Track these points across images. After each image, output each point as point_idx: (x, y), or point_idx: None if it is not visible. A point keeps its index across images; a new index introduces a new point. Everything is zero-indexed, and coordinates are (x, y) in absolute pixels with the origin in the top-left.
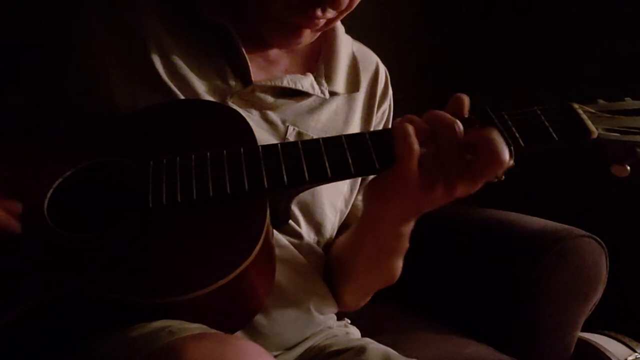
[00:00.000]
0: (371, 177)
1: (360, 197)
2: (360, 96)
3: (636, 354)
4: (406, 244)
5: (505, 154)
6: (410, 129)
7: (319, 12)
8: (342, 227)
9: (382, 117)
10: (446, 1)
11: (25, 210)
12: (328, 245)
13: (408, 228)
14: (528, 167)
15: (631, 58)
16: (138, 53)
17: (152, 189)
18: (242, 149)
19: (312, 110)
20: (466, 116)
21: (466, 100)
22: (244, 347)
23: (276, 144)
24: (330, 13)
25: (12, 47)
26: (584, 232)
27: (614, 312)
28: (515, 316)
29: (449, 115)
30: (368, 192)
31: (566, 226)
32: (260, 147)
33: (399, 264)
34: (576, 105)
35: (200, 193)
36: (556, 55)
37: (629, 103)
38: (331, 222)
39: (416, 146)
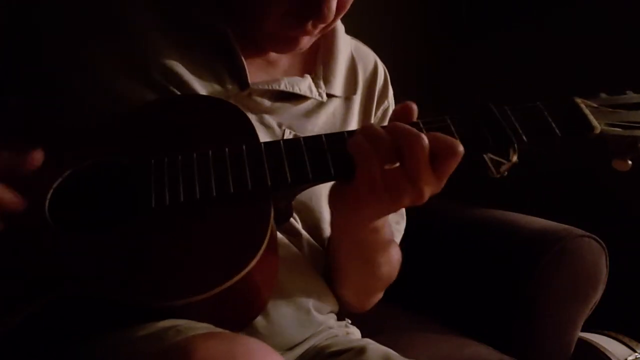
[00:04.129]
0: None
1: None
2: (358, 98)
3: (636, 354)
4: (386, 236)
5: (458, 145)
6: (369, 146)
7: (309, 27)
8: None
9: (384, 116)
10: (446, 0)
11: (27, 210)
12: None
13: (381, 222)
14: (528, 166)
15: (633, 50)
16: (135, 56)
17: (154, 189)
18: (244, 147)
19: (310, 113)
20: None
21: (414, 107)
22: (252, 346)
23: (279, 141)
24: (321, 25)
25: (12, 50)
26: (584, 232)
27: (614, 312)
28: (515, 316)
29: (413, 130)
30: (331, 200)
31: (566, 226)
32: (263, 144)
33: (390, 257)
34: (579, 100)
35: (203, 192)
36: (557, 49)
37: (631, 97)
38: (328, 223)
39: (377, 166)
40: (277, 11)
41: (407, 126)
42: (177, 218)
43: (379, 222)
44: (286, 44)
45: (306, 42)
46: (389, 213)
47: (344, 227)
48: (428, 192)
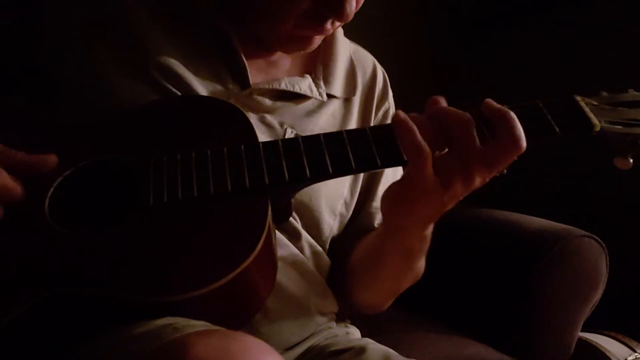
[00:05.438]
0: (383, 187)
1: (374, 205)
2: (357, 99)
3: (636, 354)
4: (429, 241)
5: (524, 140)
6: (416, 131)
7: (328, 25)
8: (360, 232)
9: (384, 117)
10: (446, 1)
11: (27, 209)
12: (325, 246)
13: (431, 228)
14: (528, 166)
15: (634, 48)
16: (136, 56)
17: (152, 187)
18: (242, 146)
19: (310, 113)
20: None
21: (443, 101)
22: (249, 343)
23: (277, 140)
24: (339, 24)
25: (12, 49)
26: (584, 232)
27: (614, 312)
28: (515, 316)
29: (461, 113)
30: (387, 205)
31: (566, 226)
32: (261, 144)
33: (423, 262)
34: (579, 98)
35: (202, 190)
36: (557, 49)
37: (632, 95)
38: (329, 225)
39: (427, 149)
40: (297, 10)
41: (454, 110)
42: (175, 216)
43: (429, 230)
44: (299, 43)
45: (317, 41)
46: (441, 207)
47: (396, 234)
48: (478, 179)
